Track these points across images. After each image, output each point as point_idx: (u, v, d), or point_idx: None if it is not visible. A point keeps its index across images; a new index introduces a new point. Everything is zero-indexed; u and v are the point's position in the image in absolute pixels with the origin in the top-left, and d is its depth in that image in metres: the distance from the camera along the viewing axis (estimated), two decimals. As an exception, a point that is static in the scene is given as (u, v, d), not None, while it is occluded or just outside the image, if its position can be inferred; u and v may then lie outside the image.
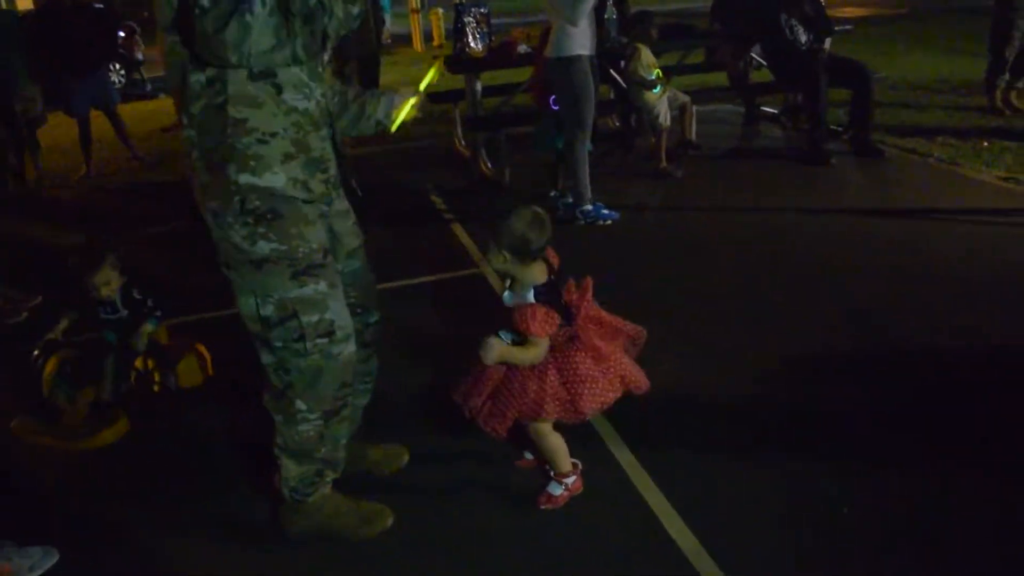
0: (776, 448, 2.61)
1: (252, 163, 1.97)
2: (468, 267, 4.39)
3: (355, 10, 2.00)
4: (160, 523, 2.51)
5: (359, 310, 2.35)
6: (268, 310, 2.08)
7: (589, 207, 4.87)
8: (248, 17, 1.80)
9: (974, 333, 3.26)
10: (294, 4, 1.85)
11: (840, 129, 6.34)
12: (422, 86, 2.32)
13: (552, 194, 5.30)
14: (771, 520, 2.30)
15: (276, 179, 2.00)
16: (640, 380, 2.38)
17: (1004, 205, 4.66)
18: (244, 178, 1.98)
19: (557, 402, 2.26)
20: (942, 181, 5.26)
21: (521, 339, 2.23)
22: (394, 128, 2.32)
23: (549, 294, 2.24)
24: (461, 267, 4.41)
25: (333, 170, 2.17)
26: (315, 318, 2.09)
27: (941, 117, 6.94)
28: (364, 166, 6.46)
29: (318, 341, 2.11)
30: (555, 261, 2.31)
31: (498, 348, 2.19)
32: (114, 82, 11.60)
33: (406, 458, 2.64)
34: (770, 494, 2.40)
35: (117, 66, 11.75)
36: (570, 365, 2.26)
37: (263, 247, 2.03)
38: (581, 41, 4.54)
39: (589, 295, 2.33)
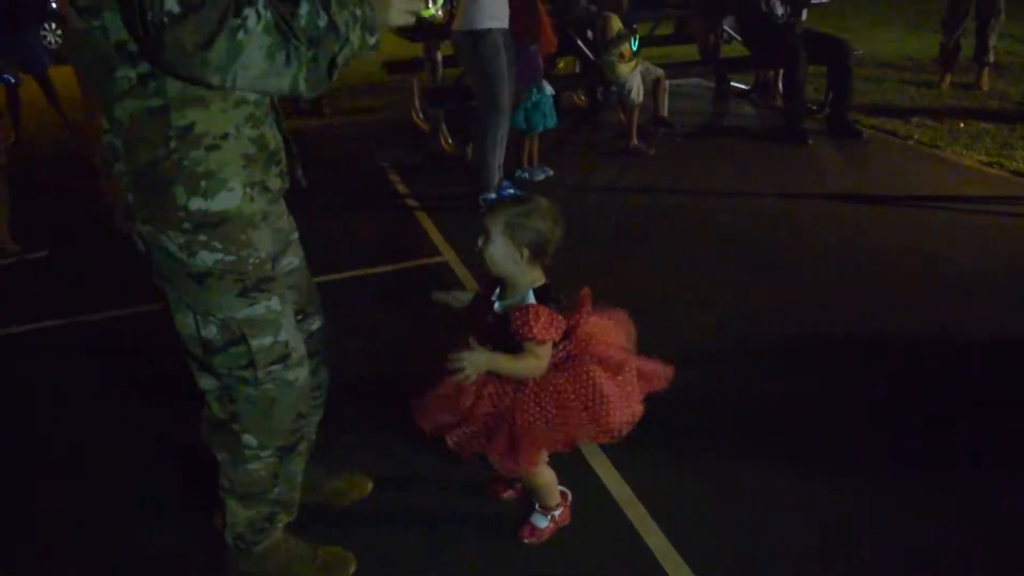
0: (770, 457, 2.36)
1: (203, 183, 1.58)
2: (432, 255, 4.01)
3: (372, 40, 1.57)
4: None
5: (299, 316, 1.98)
6: (211, 332, 1.72)
7: (492, 195, 4.32)
8: (242, 35, 1.37)
9: (960, 327, 3.08)
10: (297, 22, 1.44)
11: (814, 108, 6.11)
12: None
13: (517, 173, 4.98)
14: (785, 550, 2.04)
15: (231, 197, 1.61)
16: (661, 372, 2.04)
17: (991, 192, 4.46)
18: (195, 203, 1.58)
19: (582, 429, 1.92)
20: (925, 165, 5.06)
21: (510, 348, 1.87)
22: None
23: (549, 298, 1.90)
24: (424, 254, 4.02)
25: (284, 158, 1.80)
26: (267, 341, 1.74)
27: (913, 96, 6.78)
28: (311, 141, 6.02)
29: (271, 368, 1.76)
30: None
31: (484, 357, 1.82)
32: (49, 42, 10.81)
33: (370, 487, 2.32)
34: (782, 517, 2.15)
35: (53, 25, 10.90)
36: (587, 386, 1.89)
37: (205, 258, 1.64)
38: (491, 12, 4.13)
39: (587, 307, 1.98)
